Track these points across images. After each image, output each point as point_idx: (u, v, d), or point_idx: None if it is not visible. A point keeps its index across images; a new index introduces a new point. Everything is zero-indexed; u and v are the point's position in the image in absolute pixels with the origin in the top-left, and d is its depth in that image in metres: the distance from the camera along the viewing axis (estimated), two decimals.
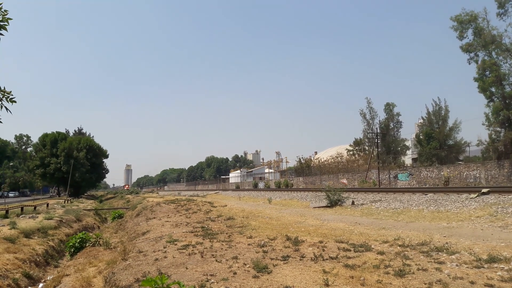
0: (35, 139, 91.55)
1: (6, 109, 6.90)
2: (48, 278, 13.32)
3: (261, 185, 71.78)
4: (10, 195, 76.86)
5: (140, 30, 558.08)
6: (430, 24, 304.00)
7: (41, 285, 12.48)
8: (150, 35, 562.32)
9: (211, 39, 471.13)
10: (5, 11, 6.70)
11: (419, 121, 59.19)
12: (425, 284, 5.49)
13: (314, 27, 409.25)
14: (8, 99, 6.93)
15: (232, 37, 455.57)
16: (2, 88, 6.91)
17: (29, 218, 22.02)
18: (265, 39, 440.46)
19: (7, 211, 23.14)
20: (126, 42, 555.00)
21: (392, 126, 59.46)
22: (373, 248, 8.41)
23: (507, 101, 36.55)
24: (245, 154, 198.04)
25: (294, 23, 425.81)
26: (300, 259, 7.52)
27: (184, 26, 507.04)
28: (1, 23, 6.69)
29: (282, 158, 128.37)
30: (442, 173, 37.31)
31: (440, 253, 7.55)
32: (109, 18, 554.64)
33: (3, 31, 6.78)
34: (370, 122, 59.96)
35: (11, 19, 6.74)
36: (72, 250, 15.89)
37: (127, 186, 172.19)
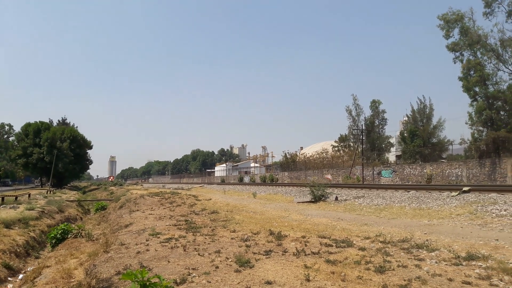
0: (17, 128, 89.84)
1: None
2: (28, 269, 13.11)
3: (246, 179, 71.88)
4: None
5: (125, 23, 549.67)
6: (416, 23, 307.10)
7: (21, 276, 12.28)
8: (137, 29, 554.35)
9: (199, 35, 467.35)
10: None
11: (404, 118, 60.02)
12: (405, 280, 5.56)
13: (301, 26, 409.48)
14: None
15: (219, 34, 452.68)
16: None
17: (9, 208, 21.63)
18: (252, 36, 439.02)
19: None
20: (113, 33, 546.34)
21: (377, 123, 60.30)
22: (354, 244, 8.50)
23: (490, 101, 37.29)
24: (231, 148, 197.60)
25: (281, 21, 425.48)
26: (283, 254, 7.55)
27: (171, 22, 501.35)
28: None
29: (268, 153, 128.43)
30: (425, 170, 37.92)
31: (420, 250, 7.67)
32: (96, 10, 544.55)
33: None
34: (356, 118, 60.68)
35: None
36: (54, 241, 15.63)
37: (112, 178, 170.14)
